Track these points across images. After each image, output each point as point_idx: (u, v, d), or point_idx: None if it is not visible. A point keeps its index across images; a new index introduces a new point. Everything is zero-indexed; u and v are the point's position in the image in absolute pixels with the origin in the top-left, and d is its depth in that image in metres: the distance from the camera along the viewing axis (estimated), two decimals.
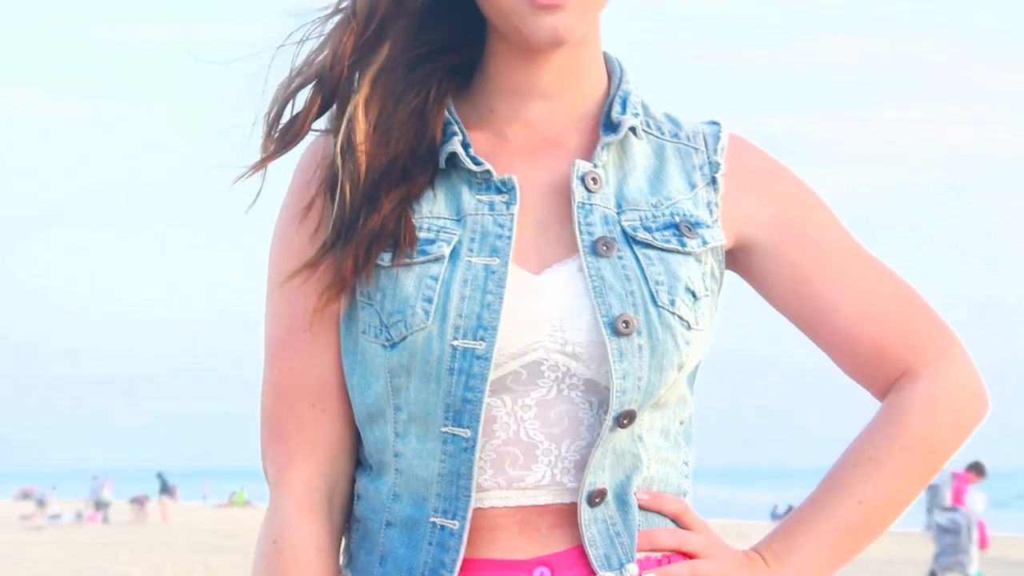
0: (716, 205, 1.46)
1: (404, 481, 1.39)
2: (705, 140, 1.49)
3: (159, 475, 37.60)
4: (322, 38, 1.42)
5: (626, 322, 1.36)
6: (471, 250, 1.38)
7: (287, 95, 1.43)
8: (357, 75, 1.41)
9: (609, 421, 1.36)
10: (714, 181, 1.47)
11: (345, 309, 1.41)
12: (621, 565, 1.38)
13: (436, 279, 1.37)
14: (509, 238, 1.38)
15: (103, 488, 29.18)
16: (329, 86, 1.41)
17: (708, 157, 1.48)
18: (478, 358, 1.35)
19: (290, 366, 1.44)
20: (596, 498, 1.38)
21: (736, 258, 1.49)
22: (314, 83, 1.42)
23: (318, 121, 1.45)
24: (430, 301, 1.36)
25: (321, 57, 1.41)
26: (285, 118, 1.43)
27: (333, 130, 1.42)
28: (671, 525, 1.43)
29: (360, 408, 1.42)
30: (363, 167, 1.39)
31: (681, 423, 1.45)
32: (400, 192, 1.39)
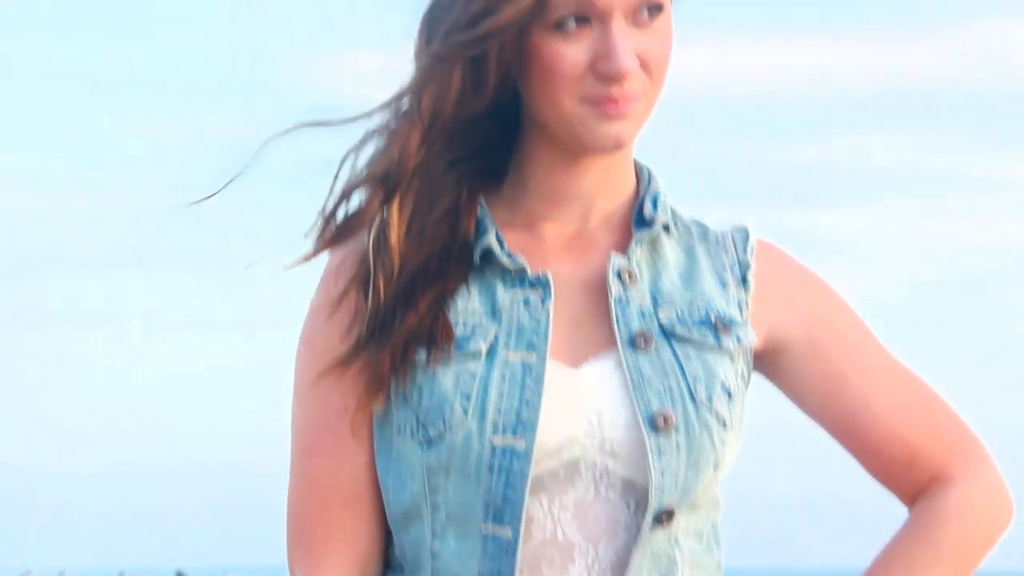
0: (746, 305, 1.47)
1: None
2: (734, 241, 1.51)
3: (178, 573, 37.19)
4: (385, 138, 1.42)
5: (665, 418, 1.36)
6: (508, 346, 1.38)
7: (347, 191, 1.43)
8: None
9: (649, 520, 1.35)
10: (744, 280, 1.48)
11: (380, 408, 1.40)
12: None
13: (474, 376, 1.36)
14: (546, 333, 1.39)
15: None
16: (392, 185, 1.41)
17: (738, 257, 1.49)
18: (518, 456, 1.34)
19: (322, 466, 1.42)
20: None
21: (765, 359, 1.49)
22: (377, 181, 1.41)
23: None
24: (468, 398, 1.35)
25: (387, 156, 1.41)
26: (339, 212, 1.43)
27: (367, 226, 1.42)
28: None
29: (395, 508, 1.41)
30: (397, 266, 1.39)
31: (712, 525, 1.44)
32: (436, 290, 1.40)
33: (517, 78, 1.42)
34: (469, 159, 1.44)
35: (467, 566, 1.36)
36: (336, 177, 1.43)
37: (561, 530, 1.37)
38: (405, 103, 1.41)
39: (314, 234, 1.44)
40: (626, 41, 1.37)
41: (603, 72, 1.37)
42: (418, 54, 1.43)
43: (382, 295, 1.39)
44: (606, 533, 1.37)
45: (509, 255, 1.42)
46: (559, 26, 1.37)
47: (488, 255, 1.43)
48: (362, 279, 1.41)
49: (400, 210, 1.40)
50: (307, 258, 1.44)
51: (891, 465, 1.49)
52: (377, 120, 1.43)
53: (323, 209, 1.43)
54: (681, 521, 1.38)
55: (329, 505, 1.42)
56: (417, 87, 1.40)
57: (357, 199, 1.43)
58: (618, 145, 1.41)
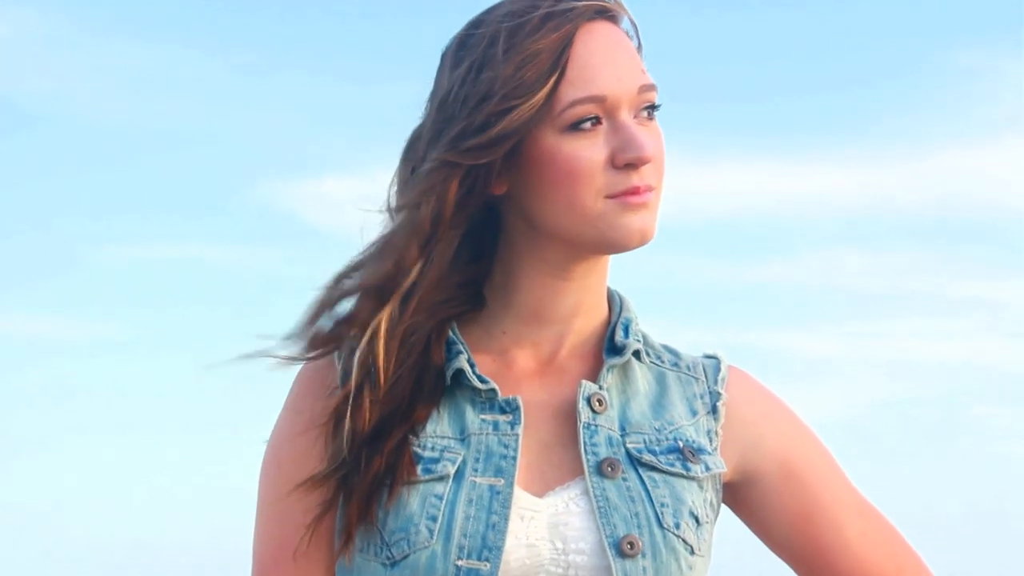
0: (717, 434, 1.48)
1: None
2: (705, 370, 1.51)
3: None
4: (380, 249, 1.41)
5: (631, 543, 1.35)
6: (475, 470, 1.37)
7: (334, 300, 1.42)
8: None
9: None
10: (715, 410, 1.49)
11: (340, 527, 1.39)
12: None
13: (441, 498, 1.36)
14: (514, 459, 1.38)
15: None
16: (386, 296, 1.39)
17: (709, 386, 1.50)
18: None
19: None
20: None
21: (735, 490, 1.50)
22: (370, 292, 1.40)
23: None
24: (435, 520, 1.35)
25: (382, 267, 1.39)
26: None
27: (351, 337, 1.40)
28: None
29: None
30: (370, 414, 1.38)
31: None
32: (404, 429, 1.39)
33: (517, 190, 1.41)
34: (451, 283, 1.43)
35: None
36: (328, 289, 1.42)
37: None
38: (403, 215, 1.40)
39: (301, 338, 1.43)
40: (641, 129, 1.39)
41: (625, 161, 1.38)
42: (403, 174, 1.43)
43: (351, 441, 1.38)
44: None
45: (480, 378, 1.42)
46: (574, 127, 1.38)
47: (459, 377, 1.42)
48: (336, 414, 1.40)
49: (389, 322, 1.39)
50: (292, 359, 1.43)
51: None
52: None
53: (310, 315, 1.42)
54: None
55: None
56: (416, 196, 1.39)
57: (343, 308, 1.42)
58: (643, 238, 1.40)
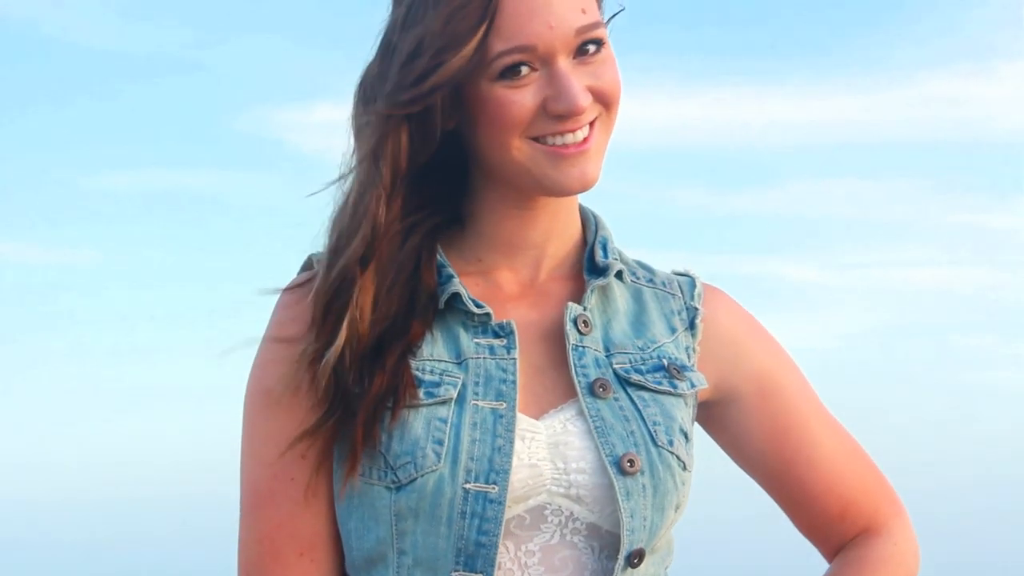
0: (695, 350, 1.50)
1: None
2: (680, 287, 1.53)
3: None
4: (350, 210, 1.41)
5: (631, 461, 1.37)
6: (476, 394, 1.38)
7: (335, 287, 1.40)
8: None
9: (621, 561, 1.36)
10: (693, 326, 1.50)
11: (342, 453, 1.39)
12: None
13: (445, 422, 1.36)
14: (514, 383, 1.39)
15: None
16: (368, 256, 1.40)
17: (686, 302, 1.52)
18: (491, 502, 1.34)
19: (276, 515, 1.41)
20: None
21: (709, 408, 1.52)
22: (359, 258, 1.40)
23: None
24: (441, 443, 1.35)
25: (362, 233, 1.39)
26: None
27: (330, 290, 1.40)
28: None
29: (357, 553, 1.39)
30: (366, 333, 1.38)
31: (666, 569, 1.46)
32: (401, 346, 1.39)
33: (464, 128, 1.42)
34: (426, 213, 1.44)
35: None
36: (326, 279, 1.41)
37: (527, 575, 1.37)
38: (362, 171, 1.40)
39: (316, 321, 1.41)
40: (575, 79, 1.38)
41: (556, 112, 1.38)
42: (357, 118, 1.43)
43: (348, 362, 1.38)
44: None
45: (475, 302, 1.42)
46: (504, 75, 1.38)
47: (453, 301, 1.43)
48: (325, 343, 1.39)
49: (373, 276, 1.40)
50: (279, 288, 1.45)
51: (824, 519, 1.54)
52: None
53: (319, 304, 1.41)
54: (642, 567, 1.39)
55: (284, 554, 1.40)
56: (371, 152, 1.39)
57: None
58: (583, 185, 1.41)
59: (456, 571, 1.34)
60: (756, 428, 1.52)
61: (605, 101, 1.41)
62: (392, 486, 1.35)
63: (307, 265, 1.47)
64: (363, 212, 1.39)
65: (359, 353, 1.38)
